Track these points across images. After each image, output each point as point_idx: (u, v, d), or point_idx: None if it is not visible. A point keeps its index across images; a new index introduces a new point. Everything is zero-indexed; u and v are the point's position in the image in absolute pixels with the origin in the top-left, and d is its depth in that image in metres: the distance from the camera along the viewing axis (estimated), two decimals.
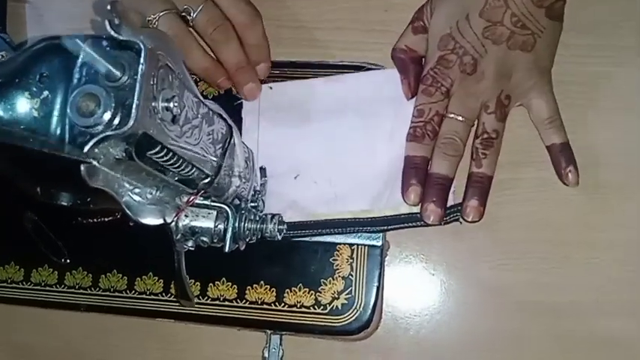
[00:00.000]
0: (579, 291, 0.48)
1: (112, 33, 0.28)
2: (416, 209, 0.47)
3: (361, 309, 0.48)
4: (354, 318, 0.48)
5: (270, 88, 0.52)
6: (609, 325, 0.47)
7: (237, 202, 0.42)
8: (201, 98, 0.37)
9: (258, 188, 0.49)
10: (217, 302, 0.50)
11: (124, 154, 0.29)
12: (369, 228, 0.48)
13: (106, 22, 0.28)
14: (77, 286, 0.52)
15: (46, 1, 0.60)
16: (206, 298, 0.50)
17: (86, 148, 0.27)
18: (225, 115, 0.41)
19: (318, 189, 0.49)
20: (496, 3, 0.45)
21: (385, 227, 0.48)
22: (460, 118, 0.46)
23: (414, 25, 0.49)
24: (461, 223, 0.47)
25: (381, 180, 0.49)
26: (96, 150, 0.27)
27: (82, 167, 0.27)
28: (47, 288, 0.53)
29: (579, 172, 0.47)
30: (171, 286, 0.50)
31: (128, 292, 0.51)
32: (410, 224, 0.48)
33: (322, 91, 0.51)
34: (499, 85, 0.46)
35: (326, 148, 0.50)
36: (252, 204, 0.48)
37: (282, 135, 0.51)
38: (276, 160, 0.50)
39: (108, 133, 0.27)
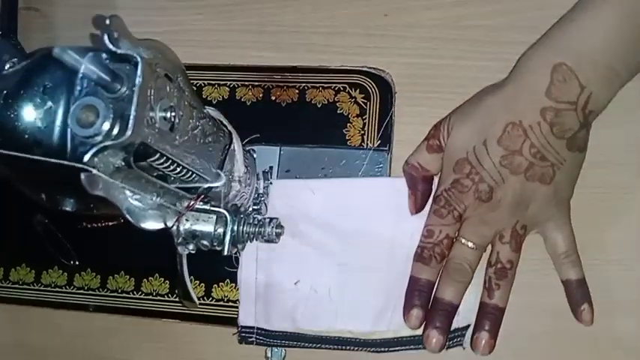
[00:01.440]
0: None
1: (111, 47, 0.29)
2: (418, 332, 0.46)
3: None
4: None
5: (270, 183, 0.50)
6: (611, 325, 0.47)
7: (238, 204, 0.44)
8: (201, 106, 0.38)
9: (260, 191, 0.50)
10: (222, 303, 0.51)
11: (122, 163, 0.30)
12: (368, 349, 0.48)
13: (105, 36, 0.29)
14: (86, 287, 0.54)
15: (55, 9, 0.61)
16: (210, 299, 0.51)
17: (86, 158, 0.28)
18: (225, 122, 0.42)
19: (318, 300, 0.48)
20: (515, 132, 0.43)
21: (385, 349, 0.48)
22: (471, 244, 0.45)
23: (429, 143, 0.47)
24: (464, 348, 0.47)
25: (383, 297, 0.48)
26: (95, 159, 0.29)
27: (83, 176, 0.29)
28: (57, 289, 0.54)
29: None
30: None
31: (135, 293, 0.53)
32: (411, 347, 0.47)
33: (323, 194, 0.50)
34: (515, 215, 0.44)
35: (326, 256, 0.49)
36: (255, 207, 0.50)
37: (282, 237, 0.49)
38: (276, 263, 0.50)
39: (107, 143, 0.28)
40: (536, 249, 0.48)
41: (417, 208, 0.48)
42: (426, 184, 0.48)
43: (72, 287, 0.54)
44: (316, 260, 0.49)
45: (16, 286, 0.55)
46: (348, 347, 0.48)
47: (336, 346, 0.48)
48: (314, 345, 0.48)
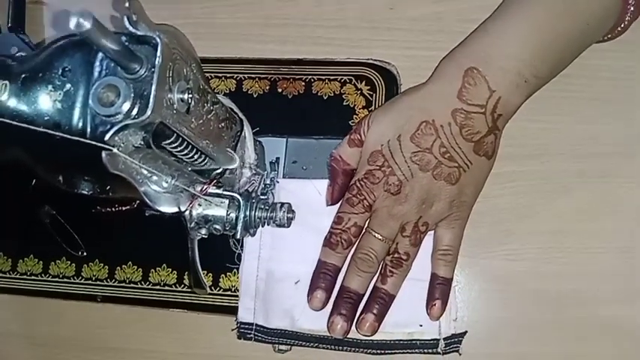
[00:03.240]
0: (581, 279, 0.48)
1: (131, 29, 0.30)
2: (417, 335, 0.48)
3: None
4: None
5: (277, 181, 0.51)
6: (611, 313, 0.48)
7: (250, 190, 0.44)
8: (214, 93, 0.39)
9: (267, 182, 0.51)
10: (229, 293, 0.52)
11: (142, 143, 0.31)
12: (365, 350, 0.48)
13: (125, 19, 0.30)
14: (94, 278, 0.54)
15: (63, 3, 0.62)
16: (218, 289, 0.52)
17: (107, 136, 0.28)
18: (236, 109, 0.43)
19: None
20: (427, 130, 0.45)
21: (382, 352, 0.48)
22: (379, 236, 0.46)
23: (351, 137, 0.49)
24: (460, 354, 0.48)
25: None
26: (116, 138, 0.29)
27: (104, 154, 0.29)
28: (65, 280, 0.55)
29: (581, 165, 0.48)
30: (185, 277, 0.52)
31: (143, 283, 0.53)
32: (408, 351, 0.48)
33: (325, 196, 0.50)
34: (419, 211, 0.46)
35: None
36: (263, 197, 0.50)
37: (284, 237, 0.50)
38: (277, 262, 0.50)
39: (127, 122, 0.29)
40: (538, 238, 0.49)
41: (333, 200, 0.49)
42: (346, 177, 0.49)
43: (80, 278, 0.54)
44: (315, 262, 0.49)
45: (25, 277, 0.55)
46: (345, 348, 0.48)
47: (334, 347, 0.49)
48: (312, 344, 0.49)
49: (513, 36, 0.44)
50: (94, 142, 0.28)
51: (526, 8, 0.45)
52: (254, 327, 0.50)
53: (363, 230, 0.48)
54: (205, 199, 0.39)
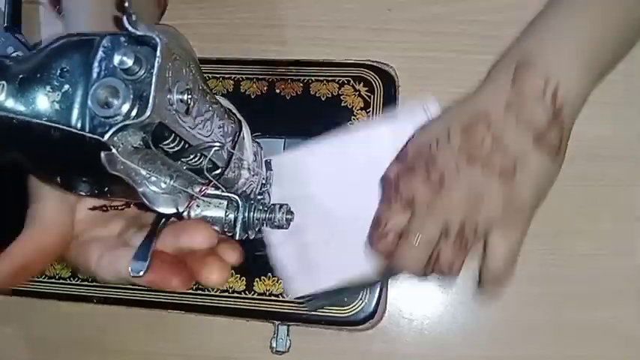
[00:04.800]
0: (580, 282, 0.49)
1: (130, 29, 0.30)
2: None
3: (366, 300, 0.50)
4: (359, 309, 0.50)
5: (269, 160, 0.51)
6: (610, 315, 0.48)
7: (248, 191, 0.44)
8: (212, 93, 0.39)
9: (264, 181, 0.50)
10: (227, 294, 0.51)
11: (140, 143, 0.31)
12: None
13: (124, 19, 0.30)
14: (90, 279, 0.54)
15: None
16: (216, 290, 0.52)
17: (106, 137, 0.28)
18: (234, 110, 0.43)
19: (322, 257, 0.50)
20: (479, 124, 0.40)
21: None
22: (417, 241, 0.41)
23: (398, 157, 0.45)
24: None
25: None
26: (115, 139, 0.29)
27: (102, 155, 0.29)
28: (61, 281, 0.54)
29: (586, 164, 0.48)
30: None
31: (139, 284, 0.53)
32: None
33: (320, 157, 0.51)
34: (464, 212, 0.40)
35: (328, 216, 0.50)
36: (259, 196, 0.50)
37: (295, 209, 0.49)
38: (301, 234, 0.50)
39: (126, 123, 0.28)
40: (537, 239, 0.49)
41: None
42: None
43: (76, 279, 0.54)
44: (316, 223, 0.50)
45: None
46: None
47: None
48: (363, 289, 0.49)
49: (569, 24, 0.40)
50: (91, 143, 0.28)
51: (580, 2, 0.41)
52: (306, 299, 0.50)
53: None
54: (204, 200, 0.39)
